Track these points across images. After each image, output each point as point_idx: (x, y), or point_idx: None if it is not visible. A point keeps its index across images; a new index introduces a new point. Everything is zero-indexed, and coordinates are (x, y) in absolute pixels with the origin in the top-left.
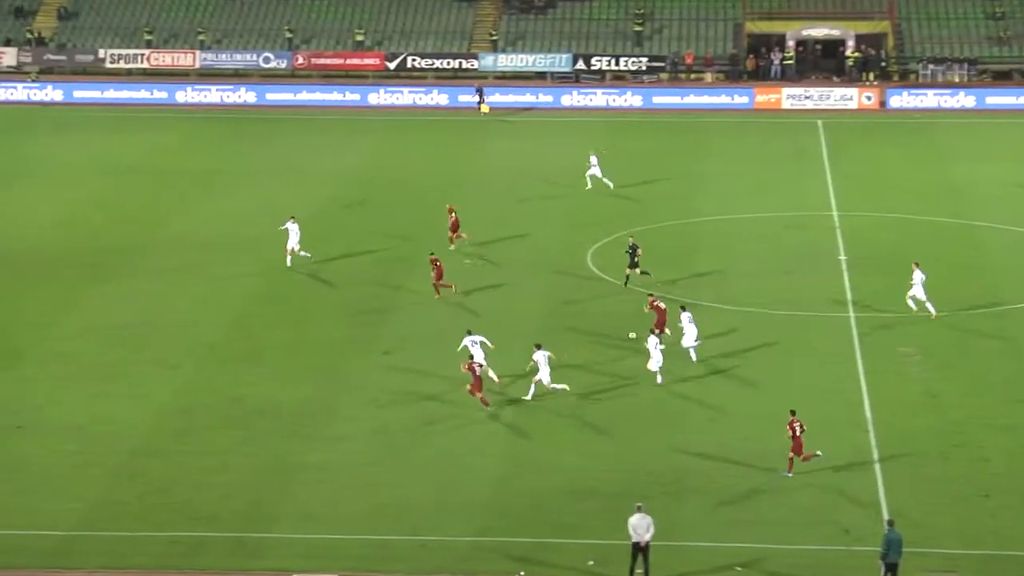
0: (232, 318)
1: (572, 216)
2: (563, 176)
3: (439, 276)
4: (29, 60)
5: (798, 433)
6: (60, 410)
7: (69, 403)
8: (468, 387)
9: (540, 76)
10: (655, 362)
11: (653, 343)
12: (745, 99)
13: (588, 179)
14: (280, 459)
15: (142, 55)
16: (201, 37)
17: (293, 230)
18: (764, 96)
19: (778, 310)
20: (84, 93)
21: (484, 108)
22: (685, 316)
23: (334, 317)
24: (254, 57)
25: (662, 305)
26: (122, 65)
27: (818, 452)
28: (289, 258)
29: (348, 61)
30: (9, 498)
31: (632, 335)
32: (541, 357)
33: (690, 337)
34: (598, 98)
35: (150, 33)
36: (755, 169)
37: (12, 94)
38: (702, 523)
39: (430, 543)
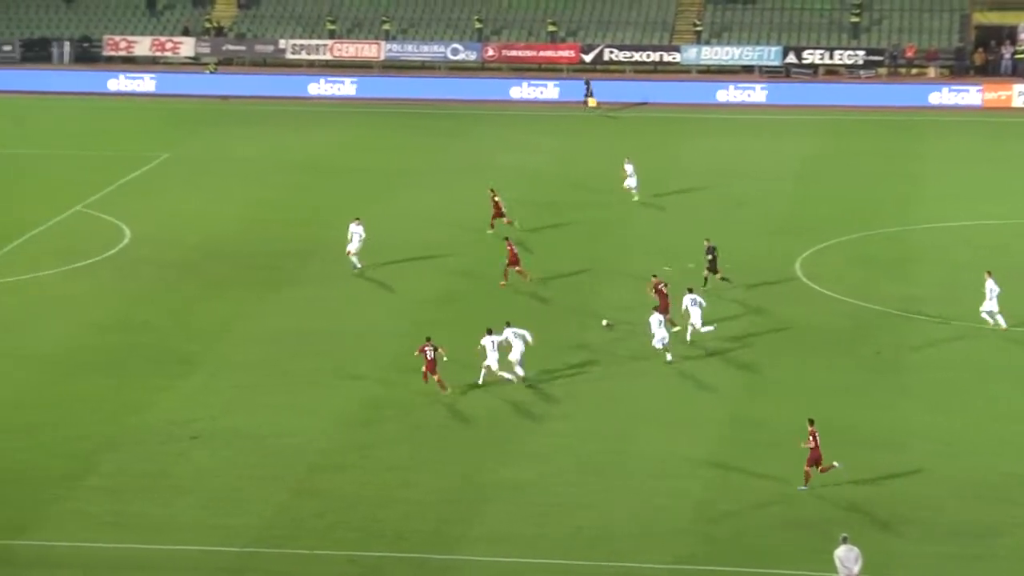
0: (415, 325)
1: (780, 220)
2: (767, 179)
3: (512, 261)
4: (207, 51)
5: (815, 444)
6: (238, 421)
7: (247, 413)
8: (423, 371)
9: (747, 70)
10: (659, 340)
11: (656, 320)
12: (972, 96)
13: (633, 191)
14: (469, 476)
15: (324, 46)
16: (386, 27)
17: (357, 233)
18: (993, 93)
19: (1007, 327)
20: (264, 85)
21: (592, 102)
22: (688, 298)
23: (525, 324)
24: (442, 48)
25: (664, 289)
26: (303, 56)
27: (836, 463)
28: (354, 259)
29: (541, 53)
30: (184, 511)
31: (605, 323)
32: (488, 343)
33: (695, 318)
34: (756, 94)
35: (333, 23)
36: (982, 172)
37: (191, 86)
38: (919, 557)
39: (628, 570)
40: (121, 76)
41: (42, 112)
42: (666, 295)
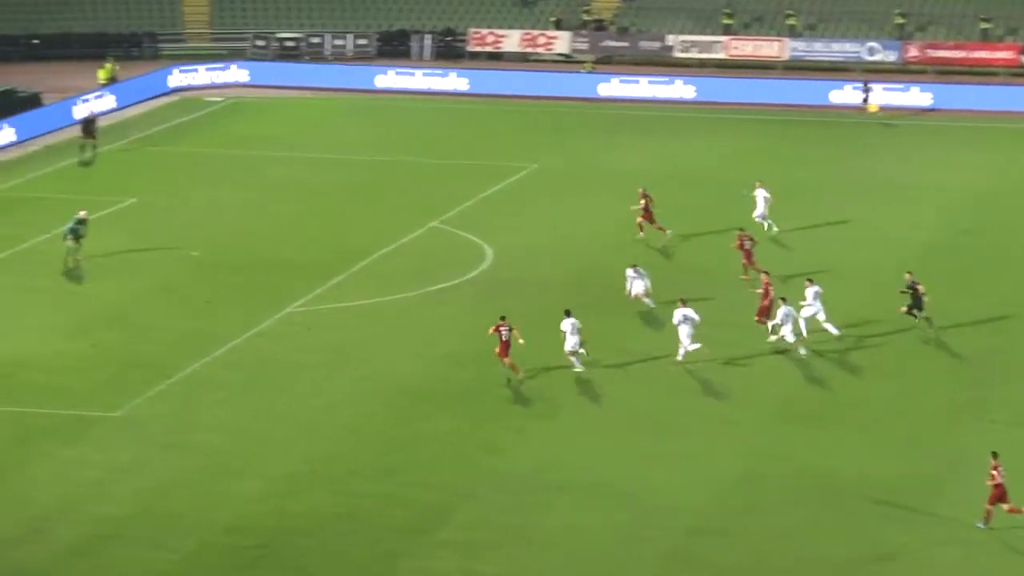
0: (807, 370)
1: None
2: None
3: (748, 259)
4: (585, 47)
5: (999, 480)
6: (606, 470)
7: (617, 462)
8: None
9: None
10: (788, 332)
11: (783, 313)
12: None
13: (763, 223)
14: (869, 546)
15: (718, 43)
16: (791, 22)
17: (637, 279)
18: None
19: None
20: (646, 86)
21: (872, 107)
22: (810, 291)
23: (937, 372)
24: (855, 47)
25: (770, 290)
26: (694, 55)
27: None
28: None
29: (972, 55)
30: (544, 573)
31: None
32: (569, 326)
33: (812, 311)
34: None
35: (729, 16)
36: None
37: (566, 86)
38: None
39: None
40: (485, 74)
41: (398, 114)
42: (771, 297)
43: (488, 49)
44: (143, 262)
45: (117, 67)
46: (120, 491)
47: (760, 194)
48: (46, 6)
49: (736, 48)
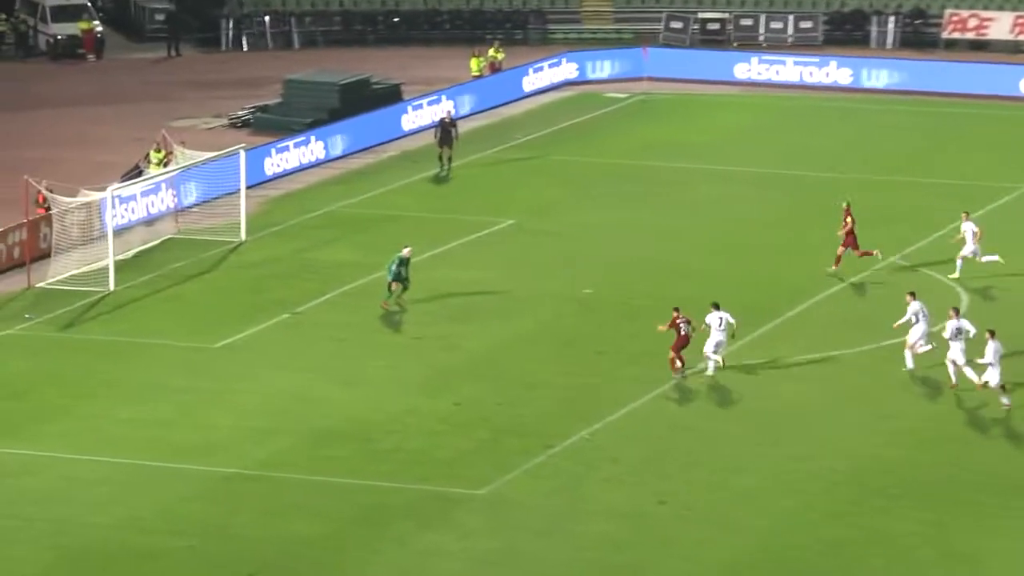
0: None
1: None
2: None
3: None
4: None
5: None
6: None
7: None
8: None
9: None
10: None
11: (994, 350)
12: None
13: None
14: None
15: None
16: None
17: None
18: None
19: None
20: None
21: None
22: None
23: None
24: None
25: None
26: None
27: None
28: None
29: None
30: None
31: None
32: (715, 320)
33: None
34: None
35: None
36: None
37: None
38: None
39: None
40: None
41: (850, 117)
42: None
43: (969, 36)
44: (519, 300)
45: (502, 55)
46: None
47: (968, 228)
48: None
49: None
